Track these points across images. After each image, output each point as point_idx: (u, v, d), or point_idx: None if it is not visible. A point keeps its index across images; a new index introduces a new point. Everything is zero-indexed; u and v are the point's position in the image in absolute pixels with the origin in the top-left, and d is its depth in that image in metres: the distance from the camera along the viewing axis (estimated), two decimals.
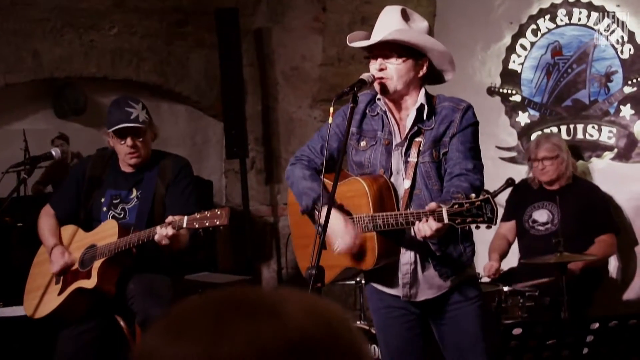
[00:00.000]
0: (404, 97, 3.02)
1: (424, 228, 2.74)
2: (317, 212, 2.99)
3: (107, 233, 3.77)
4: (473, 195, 2.69)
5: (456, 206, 2.69)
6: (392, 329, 3.15)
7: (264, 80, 6.26)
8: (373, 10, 5.90)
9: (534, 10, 5.58)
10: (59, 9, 5.46)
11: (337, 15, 5.88)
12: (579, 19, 5.39)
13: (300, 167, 3.13)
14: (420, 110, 2.99)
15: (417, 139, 2.99)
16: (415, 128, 2.99)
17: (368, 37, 3.04)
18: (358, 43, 3.03)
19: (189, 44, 6.13)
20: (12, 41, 5.34)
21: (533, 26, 5.59)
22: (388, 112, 3.04)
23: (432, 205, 2.74)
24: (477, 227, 2.74)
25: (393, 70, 2.96)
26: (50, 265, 3.89)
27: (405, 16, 3.01)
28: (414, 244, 3.02)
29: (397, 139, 3.03)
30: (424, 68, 3.01)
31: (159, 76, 6.00)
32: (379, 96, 3.05)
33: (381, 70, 2.96)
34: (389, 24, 2.98)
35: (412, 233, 3.00)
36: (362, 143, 3.08)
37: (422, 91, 3.02)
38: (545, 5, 5.53)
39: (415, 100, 3.01)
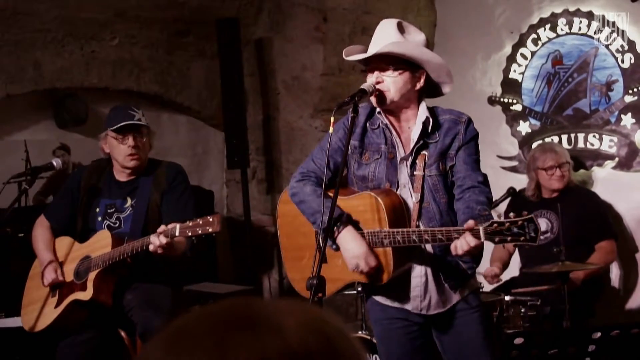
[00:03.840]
0: (402, 110, 3.04)
1: (461, 244, 2.75)
2: (336, 230, 2.98)
3: (100, 244, 3.77)
4: (512, 214, 2.72)
5: (495, 225, 2.71)
6: (394, 340, 3.15)
7: (264, 90, 6.26)
8: (373, 21, 5.90)
9: (535, 20, 5.59)
10: (60, 20, 5.46)
11: (338, 25, 5.88)
12: (580, 28, 5.40)
13: (310, 184, 3.10)
14: (425, 123, 3.00)
15: (423, 152, 3.01)
16: (421, 142, 3.00)
17: (365, 51, 3.06)
18: (354, 56, 3.05)
19: (190, 54, 6.13)
20: (13, 52, 5.35)
21: (533, 35, 5.60)
22: (389, 125, 3.05)
23: (471, 223, 2.75)
24: (516, 246, 2.77)
25: (390, 83, 2.97)
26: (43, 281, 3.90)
27: (401, 29, 3.03)
28: (424, 257, 3.03)
29: (401, 153, 3.03)
30: (421, 80, 3.03)
31: (160, 86, 6.01)
32: (378, 109, 3.06)
33: (378, 83, 2.98)
34: (385, 37, 3.00)
35: (423, 246, 3.01)
36: (365, 156, 3.08)
37: (423, 105, 3.04)
38: (546, 14, 5.54)
39: (414, 113, 3.03)
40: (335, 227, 2.97)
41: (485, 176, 3.02)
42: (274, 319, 0.83)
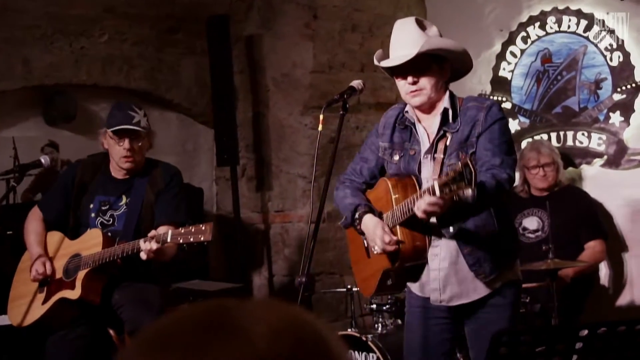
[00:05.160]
0: (435, 104, 3.05)
1: (420, 204, 2.75)
2: (357, 222, 3.12)
3: (91, 242, 3.76)
4: (459, 164, 2.64)
5: (444, 177, 2.67)
6: (419, 330, 3.18)
7: (254, 87, 6.25)
8: (364, 18, 5.91)
9: (524, 18, 5.60)
10: (49, 16, 5.44)
11: (328, 22, 5.88)
12: (569, 27, 5.41)
13: (343, 188, 3.26)
14: (444, 113, 3.01)
15: (442, 141, 3.03)
16: (441, 132, 3.02)
17: (383, 56, 3.06)
18: (387, 62, 3.03)
19: (180, 51, 6.12)
20: (2, 48, 5.32)
21: (523, 33, 5.61)
22: (417, 122, 3.08)
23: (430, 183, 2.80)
24: (463, 196, 2.67)
25: (426, 81, 2.98)
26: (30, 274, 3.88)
27: (421, 26, 3.03)
28: (443, 247, 3.03)
29: (425, 146, 3.05)
30: (448, 72, 3.06)
31: (150, 83, 5.99)
32: (407, 109, 3.08)
33: (414, 83, 2.98)
34: (410, 38, 2.98)
35: (440, 237, 3.03)
36: (395, 157, 3.14)
37: (447, 94, 3.05)
38: (535, 12, 5.55)
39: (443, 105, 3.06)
40: (356, 220, 3.10)
41: (505, 159, 2.95)
42: (246, 325, 0.83)
